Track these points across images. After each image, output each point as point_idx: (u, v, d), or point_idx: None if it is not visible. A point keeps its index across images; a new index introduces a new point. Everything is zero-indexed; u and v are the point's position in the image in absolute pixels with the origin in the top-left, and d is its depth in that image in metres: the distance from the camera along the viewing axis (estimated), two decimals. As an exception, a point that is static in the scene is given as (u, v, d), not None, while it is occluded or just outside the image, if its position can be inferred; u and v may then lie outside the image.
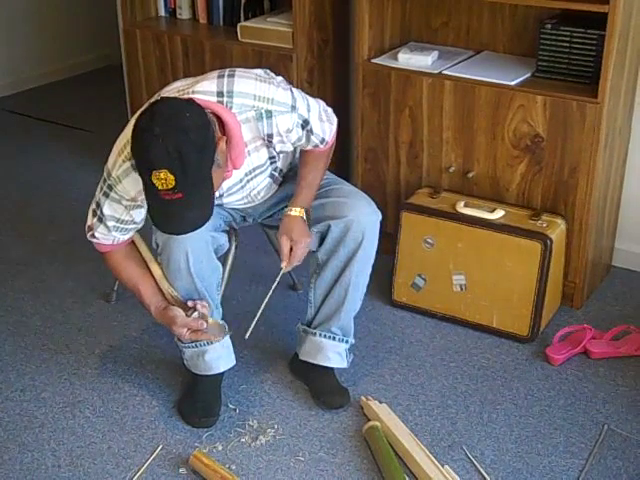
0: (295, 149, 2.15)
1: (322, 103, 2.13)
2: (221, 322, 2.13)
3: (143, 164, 1.77)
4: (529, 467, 2.03)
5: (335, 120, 2.16)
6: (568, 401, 2.25)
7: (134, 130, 1.81)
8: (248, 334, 2.11)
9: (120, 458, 2.08)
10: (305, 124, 2.03)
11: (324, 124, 2.09)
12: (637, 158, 2.70)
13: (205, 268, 2.11)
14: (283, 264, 2.09)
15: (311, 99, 2.08)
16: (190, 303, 2.08)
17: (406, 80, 2.65)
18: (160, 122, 1.75)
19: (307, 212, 2.13)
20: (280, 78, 2.03)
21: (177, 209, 1.78)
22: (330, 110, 2.16)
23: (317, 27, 2.90)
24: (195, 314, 2.05)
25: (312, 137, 2.07)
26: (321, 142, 2.11)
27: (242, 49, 2.97)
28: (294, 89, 2.03)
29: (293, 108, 1.98)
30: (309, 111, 2.04)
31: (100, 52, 4.91)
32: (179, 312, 2.05)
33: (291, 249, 2.09)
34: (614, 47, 2.30)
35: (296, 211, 2.11)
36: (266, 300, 2.10)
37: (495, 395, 2.28)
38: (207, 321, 2.05)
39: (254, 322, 2.10)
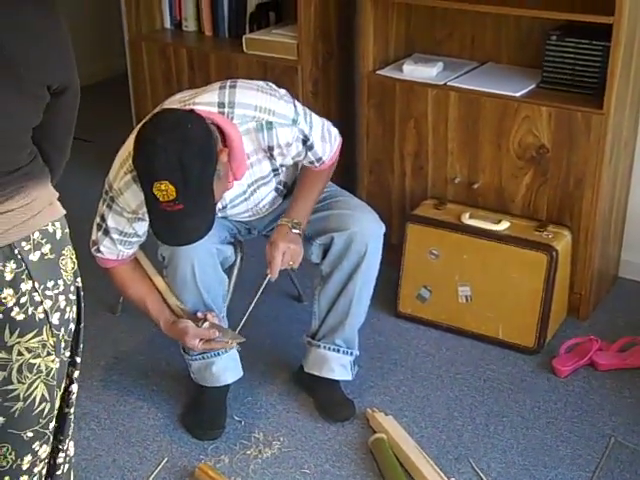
0: (297, 163, 2.15)
1: (327, 122, 2.12)
2: (232, 331, 2.12)
3: (145, 175, 1.78)
4: (536, 480, 2.03)
5: (338, 141, 2.14)
6: (575, 413, 2.24)
7: (136, 141, 1.81)
8: (238, 332, 2.12)
9: (125, 471, 2.08)
10: (306, 139, 2.02)
11: (325, 144, 2.08)
12: (643, 168, 2.70)
13: (211, 280, 2.11)
14: (267, 272, 2.04)
15: (315, 116, 2.07)
16: (200, 314, 2.08)
17: (411, 91, 2.65)
18: (163, 132, 1.75)
19: (301, 226, 2.10)
20: (283, 91, 2.03)
21: (178, 220, 1.78)
22: (335, 131, 2.13)
23: (322, 39, 2.91)
24: (206, 324, 2.05)
25: (310, 154, 2.06)
26: (317, 160, 2.09)
27: (247, 61, 2.97)
28: (297, 104, 2.03)
29: (294, 122, 1.97)
30: (311, 128, 2.03)
31: (105, 64, 4.92)
32: (190, 323, 2.05)
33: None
34: (619, 58, 2.30)
35: (289, 222, 2.07)
36: (253, 303, 2.09)
37: (501, 407, 2.27)
38: (219, 330, 2.05)
39: (242, 321, 2.11)
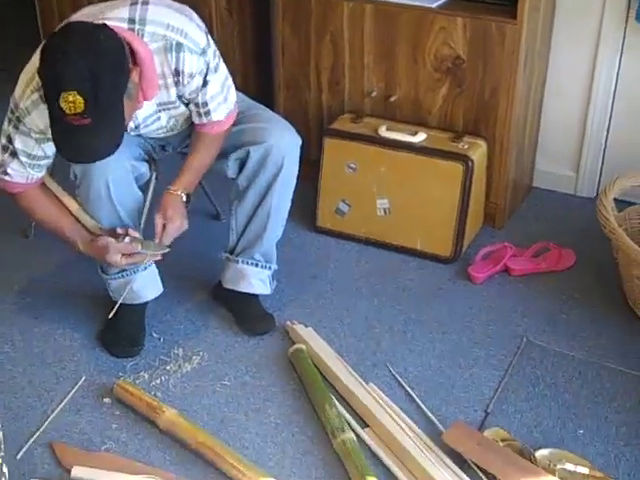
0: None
1: (231, 82, 2.05)
2: (154, 242, 2.05)
3: (51, 85, 1.70)
4: (451, 380, 2.08)
5: (233, 103, 2.07)
6: (489, 317, 2.29)
7: (43, 50, 1.73)
8: (112, 314, 2.10)
9: (42, 391, 2.05)
10: (207, 74, 1.95)
11: (220, 95, 2.01)
12: (556, 78, 2.72)
13: (126, 196, 2.06)
14: (156, 240, 2.02)
15: (223, 65, 2.01)
16: (120, 230, 2.03)
17: (326, 5, 2.60)
18: (73, 42, 1.68)
19: (188, 196, 2.06)
20: (199, 20, 1.96)
21: (83, 136, 1.72)
22: (234, 96, 2.07)
23: (235, -48, 2.82)
24: (127, 239, 2.00)
25: (200, 93, 1.97)
26: (203, 106, 2.00)
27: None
28: (210, 38, 1.96)
29: (203, 52, 1.91)
30: (216, 69, 1.97)
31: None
32: (110, 240, 2.00)
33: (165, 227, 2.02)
34: (531, -34, 2.29)
35: (175, 191, 2.04)
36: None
37: (419, 314, 2.31)
38: (141, 244, 2.02)
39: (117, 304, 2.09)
